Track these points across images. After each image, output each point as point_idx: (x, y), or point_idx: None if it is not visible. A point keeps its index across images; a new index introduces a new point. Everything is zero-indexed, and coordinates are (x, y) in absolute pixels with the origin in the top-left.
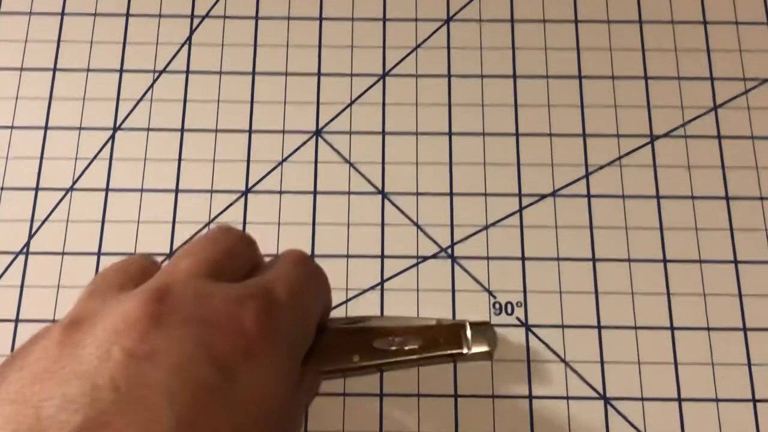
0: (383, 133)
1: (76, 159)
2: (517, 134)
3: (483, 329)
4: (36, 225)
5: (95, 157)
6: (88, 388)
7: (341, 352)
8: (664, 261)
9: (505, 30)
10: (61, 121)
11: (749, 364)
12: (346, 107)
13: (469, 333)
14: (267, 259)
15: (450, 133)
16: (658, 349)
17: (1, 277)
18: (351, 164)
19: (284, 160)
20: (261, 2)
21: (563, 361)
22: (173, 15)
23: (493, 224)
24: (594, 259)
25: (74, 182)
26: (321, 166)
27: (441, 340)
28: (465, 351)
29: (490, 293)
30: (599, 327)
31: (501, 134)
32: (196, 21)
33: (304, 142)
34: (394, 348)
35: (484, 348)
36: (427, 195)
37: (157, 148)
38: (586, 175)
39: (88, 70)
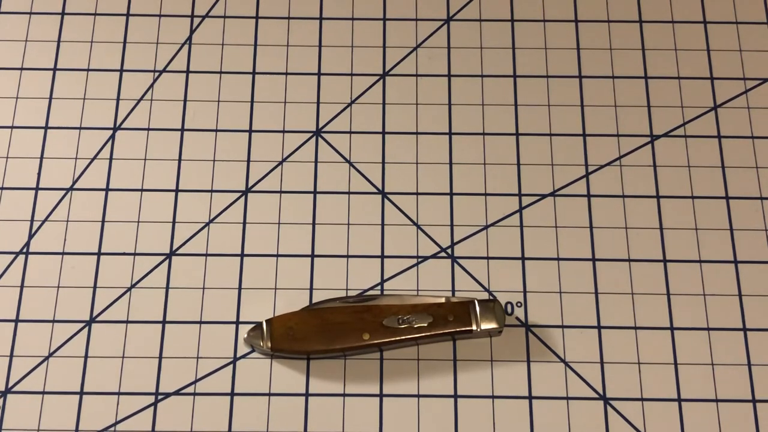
0: (383, 133)
1: (76, 159)
2: (517, 134)
3: (491, 306)
4: (36, 225)
5: (95, 157)
6: None
7: (351, 331)
8: (664, 261)
9: (505, 30)
10: (61, 121)
11: (749, 364)
12: (346, 107)
13: (478, 310)
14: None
15: (450, 133)
16: (658, 349)
17: (1, 277)
18: (351, 164)
19: (284, 160)
20: (261, 2)
21: (563, 361)
22: (173, 15)
23: (493, 224)
24: (594, 259)
25: (74, 182)
26: (321, 166)
27: (450, 317)
28: (474, 328)
29: (490, 293)
30: (599, 327)
31: (501, 134)
32: (196, 21)
33: (304, 142)
34: (403, 326)
35: (493, 325)
36: (427, 195)
37: (157, 148)
38: (586, 175)
39: (88, 70)
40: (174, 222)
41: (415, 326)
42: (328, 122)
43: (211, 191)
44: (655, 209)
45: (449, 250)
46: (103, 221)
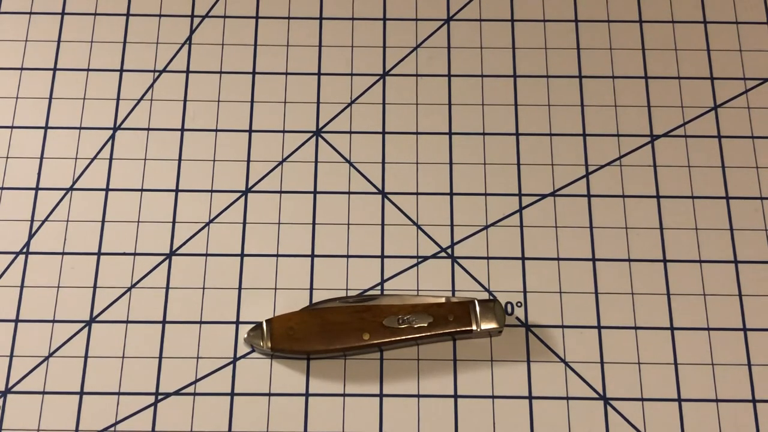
0: (383, 133)
1: (76, 159)
2: (517, 134)
3: (491, 306)
4: (36, 225)
5: (95, 157)
6: None
7: (351, 331)
8: (664, 261)
9: (505, 30)
10: (61, 121)
11: (749, 364)
12: (346, 107)
13: (478, 310)
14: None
15: (450, 133)
16: (658, 349)
17: (1, 277)
18: (351, 164)
19: (284, 160)
20: (261, 2)
21: (563, 361)
22: (173, 15)
23: (493, 224)
24: (594, 259)
25: (74, 182)
26: (321, 166)
27: (450, 317)
28: (474, 328)
29: (490, 293)
30: (599, 327)
31: (501, 134)
32: (196, 21)
33: (304, 142)
34: (403, 326)
35: (493, 325)
36: (427, 195)
37: (157, 148)
38: (586, 175)
39: (88, 70)
40: (174, 222)
41: (415, 326)
42: (328, 122)
43: (211, 191)
44: (655, 209)
45: (449, 250)
46: (103, 221)
